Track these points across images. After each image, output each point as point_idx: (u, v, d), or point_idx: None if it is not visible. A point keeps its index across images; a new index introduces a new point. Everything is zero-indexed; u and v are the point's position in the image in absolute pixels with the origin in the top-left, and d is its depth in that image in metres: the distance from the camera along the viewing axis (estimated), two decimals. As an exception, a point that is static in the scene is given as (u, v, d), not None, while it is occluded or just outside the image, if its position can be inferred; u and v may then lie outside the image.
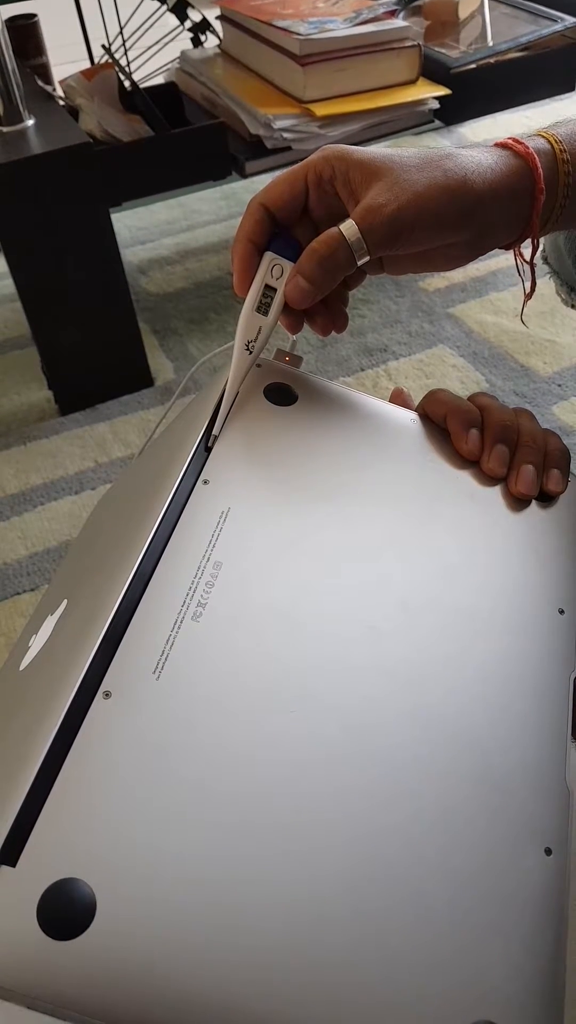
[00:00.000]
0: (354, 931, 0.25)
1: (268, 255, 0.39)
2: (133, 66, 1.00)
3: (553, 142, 0.39)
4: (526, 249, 0.42)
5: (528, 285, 0.44)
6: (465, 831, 0.28)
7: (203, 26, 1.05)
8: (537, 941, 0.27)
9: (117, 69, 0.97)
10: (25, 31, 1.11)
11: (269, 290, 0.39)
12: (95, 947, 0.23)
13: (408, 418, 0.41)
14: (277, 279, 0.39)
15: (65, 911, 0.23)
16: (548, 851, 0.29)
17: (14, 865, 0.24)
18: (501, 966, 0.26)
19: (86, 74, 0.99)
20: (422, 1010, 0.25)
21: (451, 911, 0.27)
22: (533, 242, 0.41)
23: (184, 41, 1.09)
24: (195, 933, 0.24)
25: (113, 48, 1.00)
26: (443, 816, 0.28)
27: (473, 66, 1.03)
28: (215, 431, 0.37)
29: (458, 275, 1.11)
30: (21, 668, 0.34)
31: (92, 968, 0.23)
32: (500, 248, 0.41)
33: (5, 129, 0.82)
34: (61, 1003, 0.23)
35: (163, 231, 1.27)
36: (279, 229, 0.39)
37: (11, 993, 0.23)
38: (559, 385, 0.94)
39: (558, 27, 1.07)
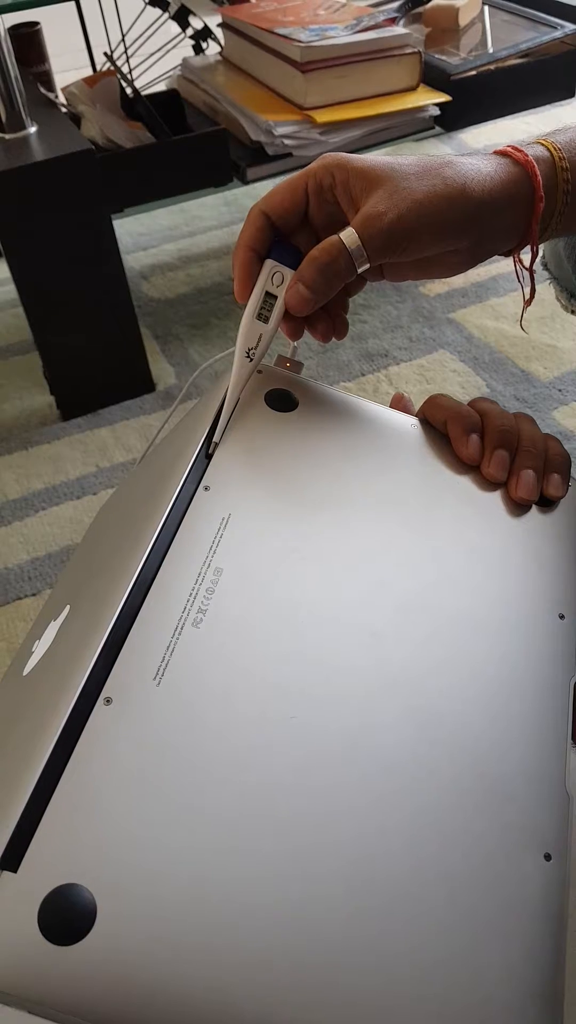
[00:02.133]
0: (354, 937, 0.25)
1: (269, 263, 0.39)
2: (135, 73, 1.01)
3: (552, 150, 0.39)
4: (525, 255, 0.42)
5: (528, 291, 0.44)
6: (465, 836, 0.28)
7: (204, 33, 1.06)
8: (536, 947, 0.27)
9: (119, 76, 0.97)
10: (27, 39, 1.12)
11: (270, 297, 0.39)
12: (95, 952, 0.23)
13: (408, 423, 0.41)
14: (278, 286, 0.39)
15: (66, 916, 0.23)
16: (548, 856, 0.29)
17: (15, 870, 0.24)
18: (500, 971, 0.26)
19: (88, 81, 0.99)
20: (422, 1014, 0.25)
21: (450, 916, 0.27)
22: (532, 249, 0.41)
23: (186, 48, 1.09)
24: (195, 938, 0.24)
25: (115, 55, 1.00)
26: (443, 821, 0.28)
27: (473, 72, 1.04)
28: (216, 438, 0.37)
29: (459, 280, 1.11)
30: (24, 673, 0.35)
31: (92, 973, 0.23)
32: (500, 255, 0.41)
33: (8, 136, 0.82)
34: (61, 1008, 0.23)
35: (165, 237, 1.27)
36: (279, 237, 0.40)
37: (11, 998, 0.23)
38: (559, 390, 0.94)
39: (558, 34, 1.07)
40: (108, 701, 0.28)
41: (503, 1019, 0.25)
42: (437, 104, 0.98)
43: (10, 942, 0.23)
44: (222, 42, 1.10)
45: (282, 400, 0.40)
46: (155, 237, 1.27)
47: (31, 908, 0.23)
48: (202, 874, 0.25)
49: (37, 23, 1.13)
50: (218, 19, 1.09)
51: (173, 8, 1.00)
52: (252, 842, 0.26)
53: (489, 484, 0.39)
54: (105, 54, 1.02)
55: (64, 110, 0.95)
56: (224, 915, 0.25)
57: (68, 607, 0.35)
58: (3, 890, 0.24)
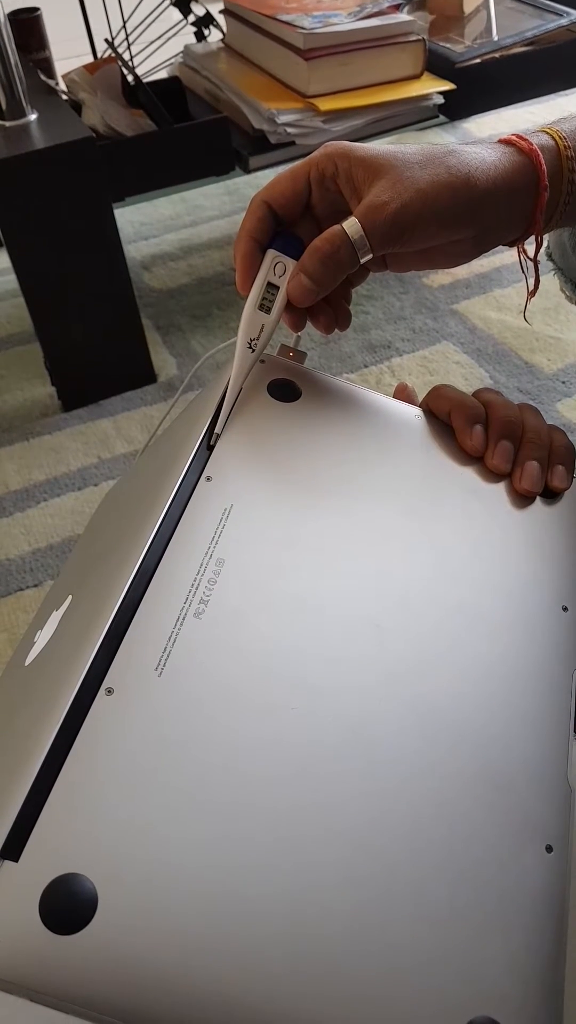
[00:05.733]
0: (355, 927, 0.25)
1: (271, 253, 0.39)
2: (136, 60, 1.00)
3: (557, 138, 0.39)
4: (530, 246, 0.42)
5: (532, 282, 0.44)
6: (466, 828, 0.28)
7: (207, 20, 1.05)
8: (537, 938, 0.27)
9: (120, 63, 0.96)
10: (28, 25, 1.11)
11: (272, 288, 0.39)
12: (97, 941, 0.23)
13: (412, 414, 0.41)
14: (280, 277, 0.39)
15: (67, 906, 0.24)
16: (549, 848, 0.29)
17: (17, 860, 0.24)
18: (501, 962, 0.26)
19: (89, 68, 0.98)
20: (422, 1005, 0.25)
21: (452, 907, 0.27)
22: (537, 239, 0.41)
23: (187, 35, 1.08)
24: (195, 928, 0.24)
25: (116, 42, 0.99)
26: (444, 813, 0.28)
27: (478, 61, 1.03)
28: (217, 429, 0.37)
29: (462, 271, 1.10)
30: (26, 663, 0.35)
31: (93, 962, 0.23)
32: (504, 245, 0.41)
33: (8, 124, 0.82)
34: (63, 997, 0.23)
35: (166, 226, 1.26)
36: (282, 226, 0.39)
37: (13, 986, 0.23)
38: (563, 382, 0.93)
39: (563, 21, 1.06)
40: (110, 691, 0.28)
41: (503, 1009, 0.25)
42: (441, 92, 0.97)
43: (12, 931, 0.23)
44: (224, 29, 1.09)
45: (285, 390, 0.40)
46: (156, 227, 1.26)
47: (32, 897, 0.23)
48: (203, 864, 0.25)
49: (37, 9, 1.12)
50: (220, 5, 1.09)
51: (175, -6, 0.99)
52: (253, 832, 0.26)
53: (493, 475, 0.39)
54: (106, 41, 1.01)
55: (65, 97, 0.94)
56: (225, 905, 0.25)
57: (70, 597, 0.35)
58: (4, 879, 0.24)
